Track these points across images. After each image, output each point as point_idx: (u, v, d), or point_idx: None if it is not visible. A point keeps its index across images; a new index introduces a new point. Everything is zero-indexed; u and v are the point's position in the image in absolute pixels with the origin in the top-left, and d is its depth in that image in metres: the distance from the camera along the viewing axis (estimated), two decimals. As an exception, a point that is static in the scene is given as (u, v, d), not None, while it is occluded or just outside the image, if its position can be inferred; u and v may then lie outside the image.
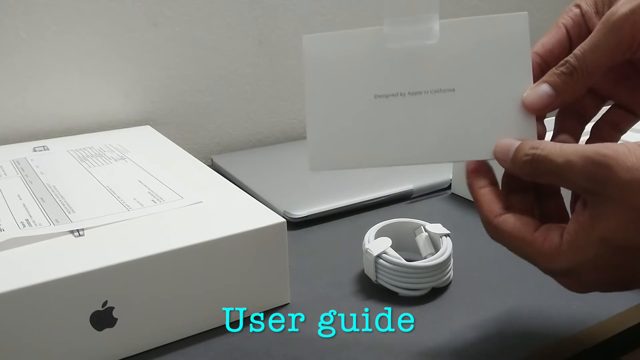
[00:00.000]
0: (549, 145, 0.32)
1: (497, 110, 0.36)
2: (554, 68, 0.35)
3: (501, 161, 0.35)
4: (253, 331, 0.41)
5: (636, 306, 0.43)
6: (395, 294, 0.44)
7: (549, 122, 0.38)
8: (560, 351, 0.39)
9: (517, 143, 0.34)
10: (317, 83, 0.37)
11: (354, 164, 0.37)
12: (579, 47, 0.34)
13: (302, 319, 0.42)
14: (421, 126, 0.36)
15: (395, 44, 0.36)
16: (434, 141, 0.36)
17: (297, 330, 0.41)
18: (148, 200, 0.45)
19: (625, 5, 0.32)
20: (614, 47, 0.33)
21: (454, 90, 0.36)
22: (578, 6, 0.37)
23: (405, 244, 0.48)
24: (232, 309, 0.41)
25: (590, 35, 0.34)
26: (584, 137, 0.39)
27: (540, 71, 0.36)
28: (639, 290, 0.45)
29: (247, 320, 0.42)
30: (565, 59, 0.34)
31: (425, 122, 0.36)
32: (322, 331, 0.41)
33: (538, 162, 0.32)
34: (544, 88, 0.35)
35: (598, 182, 0.30)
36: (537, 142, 0.33)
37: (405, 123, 0.36)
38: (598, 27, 0.33)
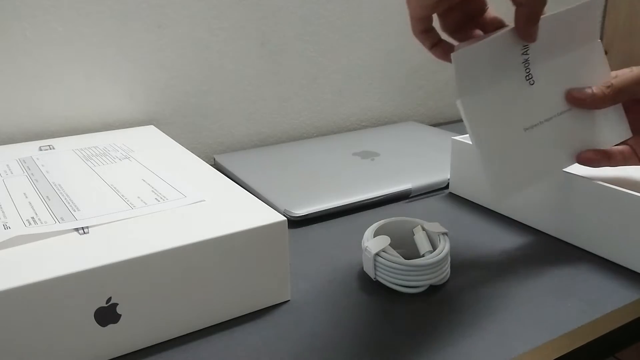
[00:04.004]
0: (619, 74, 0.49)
1: (601, 114, 0.50)
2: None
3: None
4: (254, 328, 0.41)
5: (630, 304, 0.44)
6: (393, 291, 0.45)
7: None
8: (556, 347, 0.39)
9: (591, 89, 0.49)
10: (480, 132, 0.46)
11: (526, 184, 0.47)
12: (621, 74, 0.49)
13: (302, 316, 0.43)
14: (560, 140, 0.49)
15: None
16: (571, 149, 0.49)
17: (297, 327, 0.42)
18: (151, 199, 0.46)
19: None
20: (637, 80, 0.48)
21: (570, 109, 0.49)
22: None
23: (403, 242, 0.49)
24: (233, 305, 0.42)
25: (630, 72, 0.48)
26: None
27: None
28: (632, 289, 0.45)
29: (248, 317, 0.43)
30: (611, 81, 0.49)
31: (562, 137, 0.49)
32: (322, 328, 0.41)
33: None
34: (588, 92, 0.49)
35: None
36: (608, 81, 0.49)
37: (550, 142, 0.48)
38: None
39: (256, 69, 0.79)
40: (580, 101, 0.49)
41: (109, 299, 0.37)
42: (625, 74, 0.49)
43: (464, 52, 0.44)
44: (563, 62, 0.49)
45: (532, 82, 0.47)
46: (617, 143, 0.51)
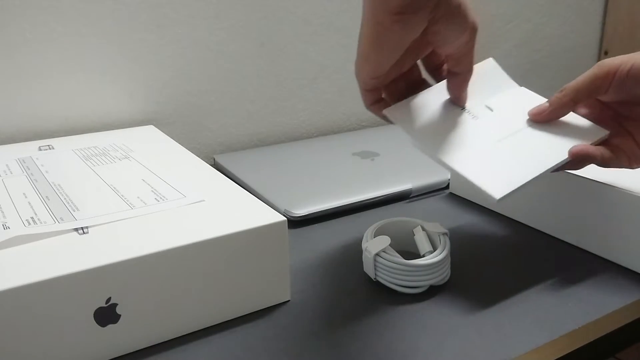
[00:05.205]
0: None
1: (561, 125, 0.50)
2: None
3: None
4: (254, 328, 0.41)
5: (630, 304, 0.44)
6: (394, 291, 0.45)
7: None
8: (557, 348, 0.39)
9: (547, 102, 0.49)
10: (454, 158, 0.46)
11: (520, 180, 0.45)
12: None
13: (302, 316, 0.43)
14: (539, 142, 0.48)
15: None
16: (545, 153, 0.47)
17: (297, 327, 0.41)
18: (151, 199, 0.46)
19: (618, 57, 0.46)
20: (592, 77, 0.46)
21: (530, 126, 0.49)
22: None
23: (403, 242, 0.49)
24: (233, 305, 0.42)
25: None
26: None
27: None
28: (632, 289, 0.45)
29: (248, 317, 0.42)
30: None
31: (534, 145, 0.48)
32: (322, 328, 0.41)
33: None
34: (544, 104, 0.49)
35: None
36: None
37: (529, 144, 0.48)
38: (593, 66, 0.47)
39: (256, 69, 0.79)
40: (540, 114, 0.49)
41: (109, 299, 0.37)
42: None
43: (395, 106, 0.48)
44: (498, 101, 0.51)
45: (476, 117, 0.49)
46: (594, 141, 0.48)
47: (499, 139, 0.48)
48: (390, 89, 0.49)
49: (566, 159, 0.47)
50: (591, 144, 0.48)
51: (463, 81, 0.48)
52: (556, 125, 0.49)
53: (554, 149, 0.47)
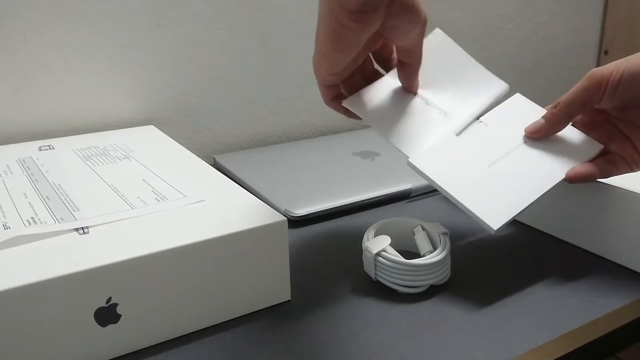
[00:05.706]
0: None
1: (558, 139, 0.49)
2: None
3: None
4: (254, 328, 0.41)
5: (632, 303, 0.44)
6: (394, 291, 0.45)
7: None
8: (557, 347, 0.39)
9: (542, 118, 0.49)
10: (447, 180, 0.47)
11: (517, 208, 0.46)
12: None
13: (302, 316, 0.43)
14: (532, 165, 0.48)
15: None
16: (541, 175, 0.47)
17: (297, 327, 0.41)
18: (151, 199, 0.46)
19: (608, 65, 0.46)
20: (584, 89, 0.47)
21: (525, 142, 0.49)
22: None
23: (404, 242, 0.49)
24: (233, 305, 0.42)
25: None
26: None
27: None
28: (632, 289, 0.45)
29: (248, 317, 0.43)
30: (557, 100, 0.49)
31: (532, 162, 0.48)
32: (322, 328, 0.41)
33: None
34: (540, 120, 0.49)
35: None
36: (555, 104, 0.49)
37: (522, 168, 0.47)
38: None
39: (256, 69, 0.79)
40: (537, 132, 0.49)
41: (109, 299, 0.37)
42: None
43: (353, 97, 0.49)
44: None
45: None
46: (590, 157, 0.48)
47: (494, 160, 0.48)
48: (348, 83, 0.50)
49: (562, 179, 0.47)
50: (588, 159, 0.48)
51: (414, 71, 0.49)
52: (551, 141, 0.49)
53: (549, 170, 0.47)
